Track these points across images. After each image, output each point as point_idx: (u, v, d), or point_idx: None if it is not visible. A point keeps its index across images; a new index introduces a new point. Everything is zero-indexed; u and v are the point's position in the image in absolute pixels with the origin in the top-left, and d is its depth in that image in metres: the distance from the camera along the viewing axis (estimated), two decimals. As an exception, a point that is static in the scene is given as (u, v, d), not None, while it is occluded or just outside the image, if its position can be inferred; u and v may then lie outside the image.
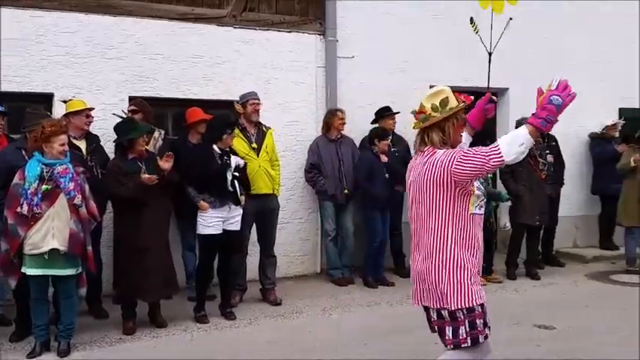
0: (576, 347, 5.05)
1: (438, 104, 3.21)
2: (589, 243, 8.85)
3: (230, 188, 5.62)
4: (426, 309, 3.34)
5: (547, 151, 7.90)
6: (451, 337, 3.20)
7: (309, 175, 7.25)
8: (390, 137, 7.35)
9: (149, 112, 6.13)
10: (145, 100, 6.34)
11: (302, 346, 5.16)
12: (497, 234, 7.84)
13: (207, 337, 5.41)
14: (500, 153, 3.00)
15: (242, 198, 5.73)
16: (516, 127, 3.61)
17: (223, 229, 5.69)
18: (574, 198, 8.72)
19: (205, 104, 6.73)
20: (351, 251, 7.29)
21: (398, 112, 7.40)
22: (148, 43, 6.78)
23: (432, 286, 3.19)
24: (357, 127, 7.44)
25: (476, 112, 3.69)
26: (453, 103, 3.23)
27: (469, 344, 3.18)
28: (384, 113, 7.37)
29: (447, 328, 3.22)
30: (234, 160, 5.71)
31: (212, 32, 7.08)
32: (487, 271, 7.25)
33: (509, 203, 7.47)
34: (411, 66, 7.98)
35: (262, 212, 6.32)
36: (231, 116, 6.23)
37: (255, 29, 7.30)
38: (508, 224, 7.97)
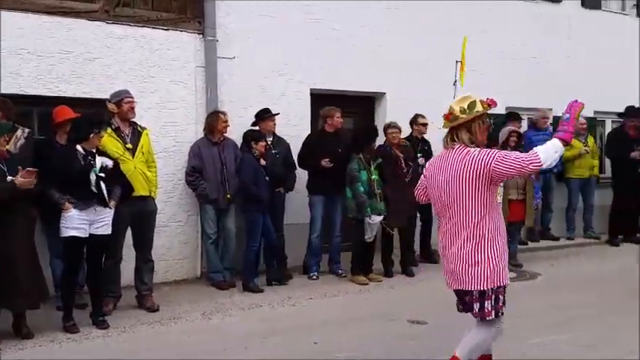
0: (446, 341, 5.27)
1: (466, 107, 3.71)
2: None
3: (94, 189, 5.37)
4: (457, 291, 3.85)
5: (420, 155, 8.26)
6: (477, 311, 3.75)
7: (189, 179, 7.09)
8: (271, 139, 7.37)
9: (10, 109, 5.71)
10: (8, 97, 5.91)
11: (180, 352, 5.03)
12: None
13: (78, 347, 5.13)
14: (539, 160, 3.54)
15: (111, 200, 5.50)
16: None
17: (90, 233, 5.43)
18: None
19: (76, 102, 6.38)
20: (232, 254, 7.21)
21: (278, 114, 7.42)
22: (12, 37, 6.34)
23: (471, 268, 3.66)
24: (238, 128, 7.36)
25: None
26: (479, 107, 3.73)
27: (493, 317, 3.75)
28: (264, 115, 7.36)
29: (475, 304, 3.75)
30: (100, 161, 5.46)
31: (82, 27, 6.73)
32: (367, 269, 7.45)
33: None
34: (291, 69, 8.03)
35: (138, 215, 6.09)
36: (99, 115, 5.95)
37: (130, 25, 7.03)
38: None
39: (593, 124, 10.54)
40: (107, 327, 5.55)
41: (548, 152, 3.56)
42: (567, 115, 3.71)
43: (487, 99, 3.83)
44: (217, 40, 7.51)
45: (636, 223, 10.17)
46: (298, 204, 7.73)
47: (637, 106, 10.12)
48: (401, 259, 7.84)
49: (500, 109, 9.65)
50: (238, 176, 7.01)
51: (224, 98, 7.56)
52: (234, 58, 7.64)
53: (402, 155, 7.61)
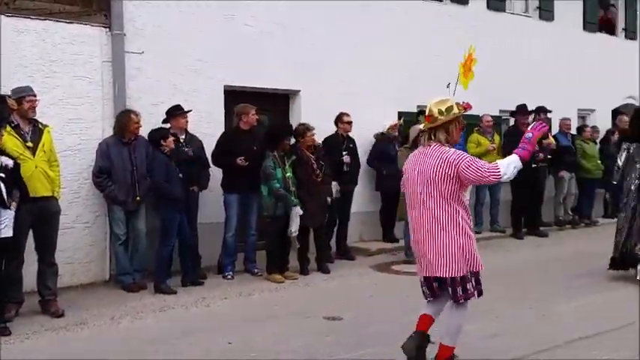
0: (361, 336, 5.35)
1: (444, 109, 4.08)
2: (373, 237, 9.46)
3: (-9, 190, 5.06)
4: (427, 279, 4.23)
5: (345, 152, 8.33)
6: (462, 294, 4.11)
7: (97, 180, 6.80)
8: (184, 137, 7.21)
9: None
10: None
11: (87, 358, 4.82)
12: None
13: (-26, 358, 4.82)
14: (499, 173, 3.95)
15: (11, 202, 5.19)
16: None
17: (-11, 236, 5.10)
18: (361, 195, 9.26)
19: (-29, 98, 5.98)
20: (143, 255, 6.99)
21: (190, 111, 7.27)
22: None
23: (446, 257, 4.03)
24: (148, 126, 7.13)
25: None
26: (455, 109, 4.11)
27: (476, 296, 4.17)
28: (176, 112, 7.18)
29: (458, 288, 4.09)
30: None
31: (-22, 19, 6.34)
32: (283, 267, 7.42)
33: None
34: (204, 65, 7.88)
35: (40, 216, 5.78)
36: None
37: (31, 18, 6.67)
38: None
39: (498, 121, 10.97)
40: (9, 334, 5.26)
41: (509, 167, 3.96)
42: (530, 135, 4.07)
43: (463, 102, 4.20)
44: (125, 35, 7.26)
45: (538, 217, 10.68)
46: (212, 203, 7.59)
47: (538, 104, 10.57)
48: (317, 257, 7.87)
49: (411, 108, 9.92)
50: (150, 175, 6.81)
51: (133, 94, 7.31)
52: (142, 52, 7.41)
53: (312, 156, 7.63)
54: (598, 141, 11.90)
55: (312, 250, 7.85)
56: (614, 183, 7.95)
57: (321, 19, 8.95)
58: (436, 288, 4.26)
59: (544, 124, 4.15)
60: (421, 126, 4.33)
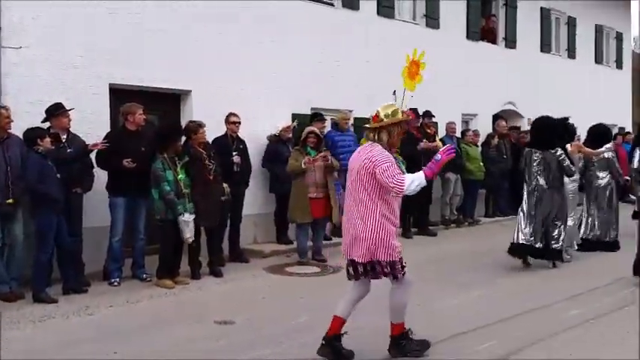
0: (253, 338, 5.29)
1: (390, 113, 4.59)
2: (268, 239, 9.42)
3: None
4: (352, 261, 4.64)
5: (235, 152, 8.22)
6: (390, 271, 4.57)
7: (-34, 181, 6.30)
8: (66, 137, 6.83)
9: None
10: None
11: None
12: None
13: None
14: (403, 187, 4.39)
15: None
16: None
17: None
18: (254, 197, 9.20)
19: None
20: (20, 262, 6.55)
21: (72, 109, 6.90)
22: None
23: (367, 243, 4.50)
24: (26, 124, 6.67)
25: None
26: (399, 115, 4.64)
27: (401, 277, 4.62)
28: (56, 111, 6.78)
29: (387, 269, 4.58)
30: None
31: None
32: (174, 272, 7.20)
33: None
34: (87, 62, 7.52)
35: None
36: None
37: None
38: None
39: (389, 125, 11.26)
40: None
41: (413, 183, 4.42)
42: (439, 157, 4.51)
43: (408, 110, 4.79)
44: (0, 28, 6.78)
45: (426, 216, 11.07)
46: (98, 206, 7.24)
47: (425, 108, 10.96)
48: (209, 260, 7.71)
49: (305, 110, 10.00)
50: (24, 176, 6.38)
51: (9, 91, 6.85)
52: (20, 48, 6.96)
53: (204, 153, 7.48)
54: (480, 144, 12.50)
55: (204, 253, 7.69)
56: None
57: (214, 18, 8.80)
58: (360, 272, 4.66)
59: (452, 150, 4.58)
60: (367, 125, 4.73)
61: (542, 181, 8.02)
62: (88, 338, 5.31)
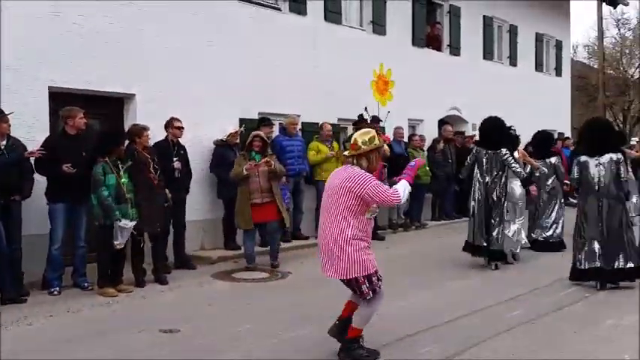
0: (198, 347, 5.21)
1: (367, 139, 4.72)
2: (215, 245, 9.31)
3: None
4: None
5: (176, 158, 8.09)
6: (368, 292, 4.69)
7: None
8: (5, 142, 6.60)
9: None
10: None
11: None
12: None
13: None
14: (399, 197, 4.66)
15: None
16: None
17: None
18: (201, 202, 9.08)
19: None
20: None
21: (12, 113, 6.67)
22: None
23: (337, 261, 4.62)
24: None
25: None
26: (377, 140, 4.77)
27: (371, 295, 4.71)
28: (-3, 116, 6.54)
29: (357, 287, 4.71)
30: None
31: None
32: (116, 280, 7.03)
33: None
34: (25, 64, 7.27)
35: None
36: None
37: None
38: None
39: (336, 130, 11.33)
40: None
41: (405, 192, 4.70)
42: (413, 163, 4.99)
43: (384, 135, 5.10)
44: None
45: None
46: (37, 213, 7.00)
47: (373, 114, 11.08)
48: (153, 268, 7.56)
49: (252, 114, 9.95)
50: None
51: (-60, 95, 6.58)
52: (-47, 49, 6.70)
53: (149, 157, 7.35)
54: (426, 149, 12.69)
55: (148, 260, 7.54)
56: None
57: (159, 20, 8.67)
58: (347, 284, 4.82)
59: (423, 160, 5.06)
60: (346, 152, 4.98)
61: (488, 180, 8.26)
62: (27, 350, 5.14)
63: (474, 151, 8.54)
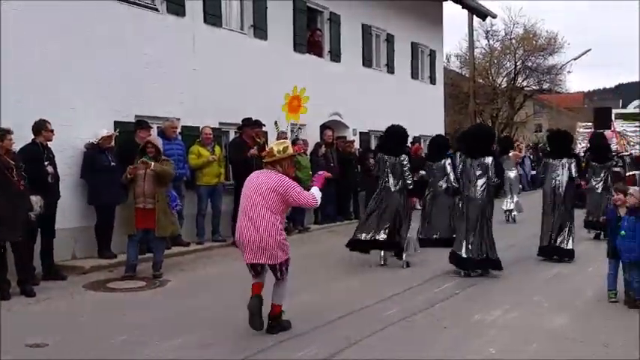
0: (67, 361, 4.95)
1: (281, 149, 5.63)
2: (88, 253, 8.85)
3: None
4: (254, 265, 5.59)
5: (47, 162, 7.65)
6: (286, 273, 5.67)
7: None
8: None
9: None
10: None
11: None
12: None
13: None
14: (317, 201, 5.67)
15: None
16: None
17: None
18: (71, 209, 8.61)
19: None
20: None
21: None
22: None
23: (269, 249, 5.45)
24: None
25: None
26: (290, 150, 5.70)
27: (286, 276, 5.71)
28: None
29: (280, 270, 5.63)
30: None
31: None
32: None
33: None
34: None
35: None
36: None
37: None
38: None
39: (218, 134, 11.19)
40: None
41: (319, 196, 5.69)
42: (322, 172, 6.12)
43: (296, 146, 5.85)
44: None
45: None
46: None
47: (257, 118, 11.05)
48: (18, 279, 7.06)
49: (129, 118, 9.60)
50: None
51: None
52: None
53: (13, 163, 6.87)
54: (309, 153, 12.84)
55: (12, 271, 7.04)
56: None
57: (31, 18, 8.16)
58: (259, 269, 5.63)
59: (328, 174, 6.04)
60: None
61: (390, 183, 8.89)
62: None
63: (378, 158, 9.25)
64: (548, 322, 6.06)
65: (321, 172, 6.04)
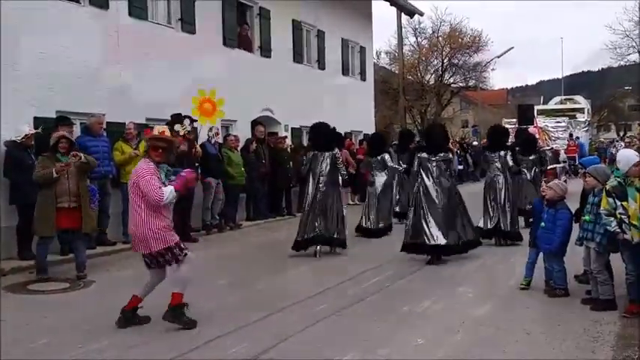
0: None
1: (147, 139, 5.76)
2: (8, 254, 8.45)
3: None
4: (143, 257, 5.66)
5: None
6: (171, 257, 5.56)
7: None
8: None
9: None
10: None
11: None
12: None
13: None
14: (163, 198, 5.43)
15: None
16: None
17: None
18: (-10, 209, 8.23)
19: None
20: None
21: None
22: None
23: (143, 240, 5.51)
24: None
25: None
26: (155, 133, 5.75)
27: (181, 259, 5.61)
28: None
29: (164, 257, 5.57)
30: None
31: None
32: None
33: None
34: None
35: None
36: None
37: None
38: None
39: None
40: None
41: (170, 196, 5.48)
42: (184, 173, 5.74)
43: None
44: None
45: (187, 223, 10.93)
46: None
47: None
48: None
49: (50, 113, 9.23)
50: None
51: None
52: None
53: None
54: (240, 149, 12.72)
55: None
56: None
57: None
58: (148, 262, 5.67)
59: (193, 172, 6.05)
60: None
61: (326, 179, 9.19)
62: None
63: (310, 155, 9.42)
64: (473, 311, 6.24)
65: (184, 173, 5.79)
